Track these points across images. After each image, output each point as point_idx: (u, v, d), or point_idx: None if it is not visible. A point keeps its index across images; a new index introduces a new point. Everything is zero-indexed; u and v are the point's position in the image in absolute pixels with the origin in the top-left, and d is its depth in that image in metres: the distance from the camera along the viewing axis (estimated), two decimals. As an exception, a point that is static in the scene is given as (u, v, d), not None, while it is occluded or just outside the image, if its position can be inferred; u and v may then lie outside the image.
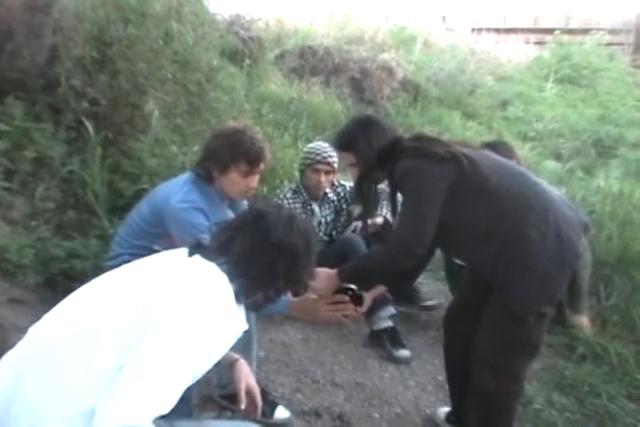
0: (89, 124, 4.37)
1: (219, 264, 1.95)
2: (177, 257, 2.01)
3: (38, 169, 4.15)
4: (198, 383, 2.62)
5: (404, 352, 4.08)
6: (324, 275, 2.96)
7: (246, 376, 2.36)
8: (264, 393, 3.33)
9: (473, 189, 2.69)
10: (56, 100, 4.38)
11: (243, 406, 2.28)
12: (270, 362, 3.83)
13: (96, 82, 4.44)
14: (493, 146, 3.82)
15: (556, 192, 2.86)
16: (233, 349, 2.58)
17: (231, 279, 1.95)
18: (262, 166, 3.23)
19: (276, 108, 7.35)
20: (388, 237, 3.14)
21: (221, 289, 1.91)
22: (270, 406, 3.28)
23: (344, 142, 3.06)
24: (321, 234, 4.55)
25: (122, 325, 1.79)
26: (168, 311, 1.78)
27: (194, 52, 5.29)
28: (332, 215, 4.59)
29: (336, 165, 4.40)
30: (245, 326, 2.08)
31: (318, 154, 4.36)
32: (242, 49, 8.13)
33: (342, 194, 4.60)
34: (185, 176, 3.28)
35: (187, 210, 3.07)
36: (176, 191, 3.13)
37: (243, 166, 3.13)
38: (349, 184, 4.57)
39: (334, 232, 4.61)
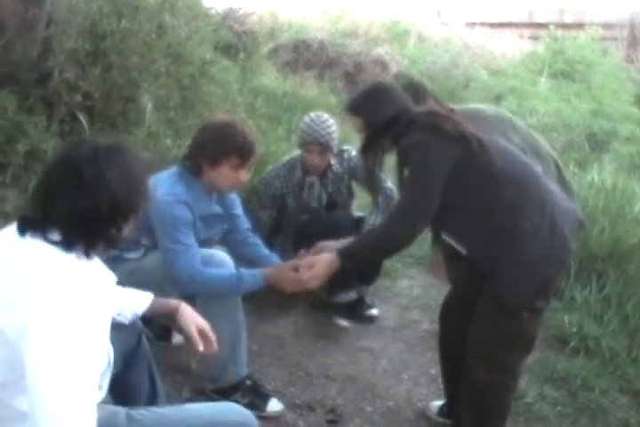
0: (82, 118, 4.36)
1: (49, 238, 1.80)
2: (9, 242, 1.85)
3: (31, 162, 4.14)
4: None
5: (373, 311, 4.37)
6: (324, 261, 2.95)
7: (193, 319, 2.36)
8: (257, 386, 3.36)
9: (477, 170, 2.68)
10: (49, 94, 4.36)
11: (201, 348, 2.29)
12: (263, 355, 3.84)
13: (89, 75, 4.43)
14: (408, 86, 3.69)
15: (555, 186, 2.87)
16: (222, 341, 2.60)
17: (68, 246, 1.81)
18: (253, 160, 3.24)
19: (269, 102, 7.34)
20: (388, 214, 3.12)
21: (64, 270, 1.79)
22: (263, 398, 3.30)
23: (352, 107, 3.06)
24: (317, 208, 4.42)
25: None
26: (31, 320, 1.69)
27: (187, 45, 5.27)
28: (334, 186, 4.39)
29: (332, 143, 4.16)
30: (113, 276, 2.04)
31: (310, 134, 4.13)
32: (235, 43, 8.10)
33: (347, 161, 4.39)
34: (172, 169, 3.28)
35: (171, 203, 3.07)
36: (161, 184, 3.12)
37: (234, 160, 3.13)
38: (352, 150, 4.40)
39: (338, 207, 4.46)
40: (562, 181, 3.95)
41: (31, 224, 1.82)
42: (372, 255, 3.04)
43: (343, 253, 2.90)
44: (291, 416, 3.33)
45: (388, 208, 4.09)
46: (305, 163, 4.28)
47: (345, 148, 4.44)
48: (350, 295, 4.34)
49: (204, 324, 2.39)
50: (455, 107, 3.66)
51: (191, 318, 2.37)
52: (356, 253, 2.92)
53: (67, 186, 1.80)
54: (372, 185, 3.37)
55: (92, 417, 1.70)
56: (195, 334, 2.32)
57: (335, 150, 4.26)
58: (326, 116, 4.23)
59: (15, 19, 4.22)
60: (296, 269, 3.09)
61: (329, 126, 4.14)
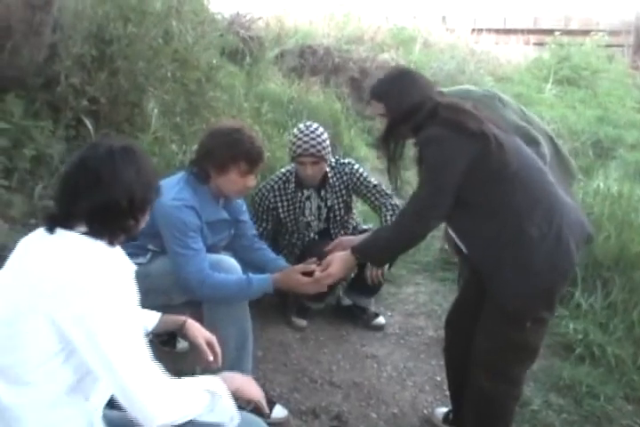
0: (88, 123, 4.36)
1: (78, 229, 1.99)
2: (42, 238, 2.01)
3: (37, 167, 4.15)
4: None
5: (380, 320, 4.43)
6: (339, 259, 3.01)
7: (200, 332, 2.47)
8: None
9: (491, 170, 2.67)
10: (55, 99, 4.37)
11: (211, 358, 2.41)
12: (268, 361, 3.84)
13: (95, 80, 4.44)
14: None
15: (568, 198, 2.84)
16: (228, 347, 2.61)
17: (96, 235, 1.99)
18: (260, 166, 3.25)
19: (275, 108, 7.33)
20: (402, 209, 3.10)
21: (97, 255, 1.96)
22: (268, 405, 3.28)
23: (376, 92, 3.00)
24: (315, 222, 4.33)
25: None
26: (81, 303, 1.84)
27: (193, 50, 5.28)
28: (333, 200, 4.28)
29: (325, 152, 4.04)
30: (133, 265, 2.16)
31: (299, 146, 4.01)
32: (242, 48, 8.10)
33: (347, 176, 4.26)
34: (179, 175, 3.28)
35: (178, 208, 3.08)
36: (169, 190, 3.12)
37: (242, 166, 3.14)
38: (355, 164, 4.32)
39: (332, 221, 4.35)
40: (559, 157, 3.92)
41: (59, 220, 1.99)
42: (385, 252, 3.04)
43: (357, 251, 2.95)
44: (295, 423, 3.33)
45: None
46: (299, 176, 4.18)
47: (347, 161, 4.35)
48: (319, 305, 4.41)
49: (211, 337, 2.48)
50: (444, 89, 3.66)
51: (199, 331, 2.47)
52: (370, 251, 2.97)
53: (87, 185, 1.97)
54: (392, 176, 3.30)
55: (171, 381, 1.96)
56: (204, 346, 2.41)
57: (328, 160, 4.16)
58: (315, 125, 4.13)
59: (22, 23, 4.23)
60: (305, 273, 3.16)
61: (319, 135, 4.03)
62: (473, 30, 15.31)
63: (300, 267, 3.24)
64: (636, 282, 4.63)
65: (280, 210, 4.24)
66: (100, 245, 1.99)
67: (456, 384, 3.22)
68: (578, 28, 16.56)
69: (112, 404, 2.02)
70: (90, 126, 4.35)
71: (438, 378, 3.84)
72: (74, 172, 2.03)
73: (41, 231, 2.02)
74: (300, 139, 4.03)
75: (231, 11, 8.77)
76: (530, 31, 16.75)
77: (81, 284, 1.85)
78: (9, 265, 2.03)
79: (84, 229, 1.98)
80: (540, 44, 16.04)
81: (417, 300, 4.92)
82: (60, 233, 1.97)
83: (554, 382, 3.90)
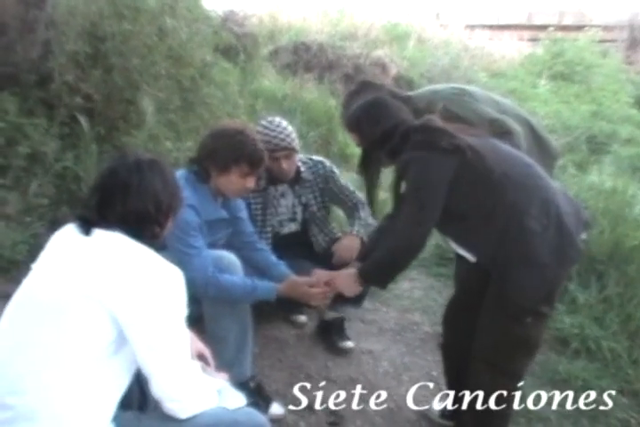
0: (83, 120, 4.36)
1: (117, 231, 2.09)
2: (78, 238, 2.08)
3: (32, 165, 4.15)
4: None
5: (348, 343, 4.08)
6: (345, 275, 3.07)
7: (193, 341, 2.49)
8: (260, 388, 3.36)
9: (476, 179, 2.68)
10: (49, 96, 4.37)
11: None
12: (264, 358, 3.83)
13: (89, 77, 4.44)
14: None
15: (560, 188, 2.86)
16: (227, 342, 2.62)
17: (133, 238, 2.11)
18: (262, 168, 3.27)
19: (269, 104, 7.34)
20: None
21: (147, 250, 2.08)
22: (266, 401, 3.30)
23: (349, 124, 3.10)
24: (286, 222, 4.14)
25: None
26: (132, 302, 1.96)
27: (188, 47, 5.28)
28: (308, 196, 4.11)
29: (295, 143, 3.87)
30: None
31: (268, 141, 3.73)
32: (235, 45, 8.10)
33: (321, 172, 4.12)
34: (178, 173, 3.27)
35: None
36: None
37: (244, 168, 3.15)
38: (327, 162, 4.21)
39: (310, 222, 4.17)
40: (538, 140, 3.92)
41: (94, 223, 2.08)
42: (384, 273, 3.01)
43: (363, 276, 2.99)
44: (292, 418, 3.33)
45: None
46: (273, 172, 3.95)
47: (319, 159, 4.22)
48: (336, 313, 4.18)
49: (204, 349, 2.56)
50: (411, 93, 3.70)
51: (192, 341, 2.48)
52: (374, 275, 2.99)
53: (118, 192, 2.11)
54: (370, 200, 3.36)
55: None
56: (194, 355, 2.44)
57: (298, 150, 3.98)
58: (277, 118, 3.98)
59: (16, 20, 4.23)
60: (311, 286, 3.24)
61: (285, 128, 3.90)
62: (467, 26, 15.34)
63: (306, 280, 3.28)
64: (630, 276, 4.64)
65: (252, 207, 4.00)
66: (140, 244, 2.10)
67: (453, 380, 3.23)
68: (571, 23, 16.62)
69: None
70: (84, 124, 4.35)
71: (434, 373, 3.84)
72: (105, 180, 2.16)
73: (74, 232, 2.10)
74: (267, 134, 3.84)
75: (225, 8, 8.78)
76: (524, 27, 16.81)
77: (143, 275, 1.99)
78: (51, 256, 2.11)
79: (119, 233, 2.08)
80: (534, 40, 16.09)
81: (412, 295, 4.93)
82: (102, 232, 2.06)
83: (550, 377, 3.90)
